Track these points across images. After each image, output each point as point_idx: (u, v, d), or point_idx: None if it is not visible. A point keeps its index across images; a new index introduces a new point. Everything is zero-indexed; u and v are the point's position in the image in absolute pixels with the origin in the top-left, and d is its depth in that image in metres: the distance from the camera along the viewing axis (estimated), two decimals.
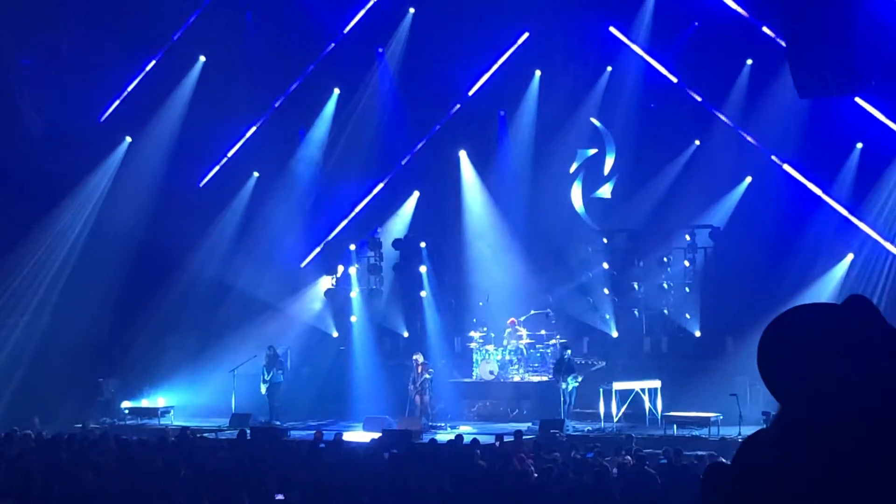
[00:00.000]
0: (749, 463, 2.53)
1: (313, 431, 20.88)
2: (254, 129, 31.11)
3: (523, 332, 27.33)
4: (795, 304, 2.70)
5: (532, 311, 27.67)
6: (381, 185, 31.33)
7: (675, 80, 28.63)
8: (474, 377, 27.48)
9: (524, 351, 27.33)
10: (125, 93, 30.45)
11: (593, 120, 29.76)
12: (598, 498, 13.30)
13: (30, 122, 28.23)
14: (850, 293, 2.61)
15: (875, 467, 2.37)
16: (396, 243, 29.84)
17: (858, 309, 2.50)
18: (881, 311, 2.51)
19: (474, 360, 27.53)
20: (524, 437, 20.07)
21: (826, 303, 2.62)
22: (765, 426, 2.60)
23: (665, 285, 27.83)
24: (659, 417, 24.03)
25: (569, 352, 25.04)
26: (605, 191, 30.05)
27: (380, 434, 21.36)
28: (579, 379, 24.53)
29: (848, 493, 2.37)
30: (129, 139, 30.11)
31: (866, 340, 2.46)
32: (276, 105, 31.09)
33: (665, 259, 27.90)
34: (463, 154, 30.46)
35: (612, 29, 29.30)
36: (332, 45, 30.82)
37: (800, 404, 2.46)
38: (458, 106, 30.51)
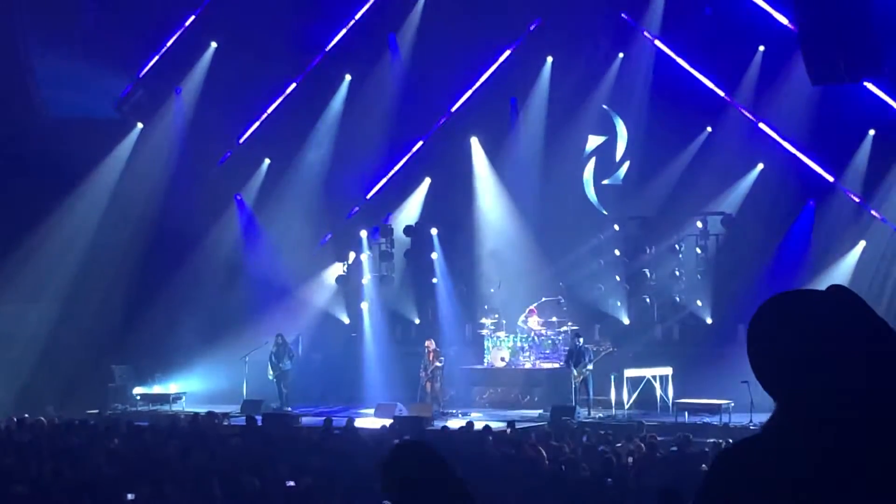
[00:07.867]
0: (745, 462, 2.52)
1: (324, 418, 20.83)
2: (265, 115, 31.07)
3: (534, 319, 27.29)
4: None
5: (543, 298, 27.63)
6: (392, 172, 31.29)
7: (687, 66, 28.53)
8: (485, 364, 27.51)
9: (535, 338, 27.32)
10: (139, 78, 30.47)
11: (605, 107, 29.71)
12: (609, 485, 13.28)
13: (43, 109, 28.22)
14: (860, 281, 2.58)
15: (872, 464, 2.35)
16: (408, 230, 29.85)
17: (843, 302, 2.47)
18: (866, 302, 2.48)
19: (486, 346, 27.54)
20: (535, 425, 20.07)
21: (810, 292, 2.58)
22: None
23: (676, 272, 27.81)
24: (670, 404, 24.00)
25: (581, 339, 25.00)
26: (617, 178, 30.00)
27: (391, 421, 21.41)
28: (589, 367, 24.42)
29: (841, 488, 2.36)
30: (140, 125, 30.12)
31: (854, 335, 2.43)
32: (288, 91, 31.03)
33: (677, 246, 27.86)
34: (475, 140, 30.41)
35: (624, 15, 29.21)
36: (344, 31, 30.77)
37: (792, 402, 2.45)
38: (470, 92, 30.43)
